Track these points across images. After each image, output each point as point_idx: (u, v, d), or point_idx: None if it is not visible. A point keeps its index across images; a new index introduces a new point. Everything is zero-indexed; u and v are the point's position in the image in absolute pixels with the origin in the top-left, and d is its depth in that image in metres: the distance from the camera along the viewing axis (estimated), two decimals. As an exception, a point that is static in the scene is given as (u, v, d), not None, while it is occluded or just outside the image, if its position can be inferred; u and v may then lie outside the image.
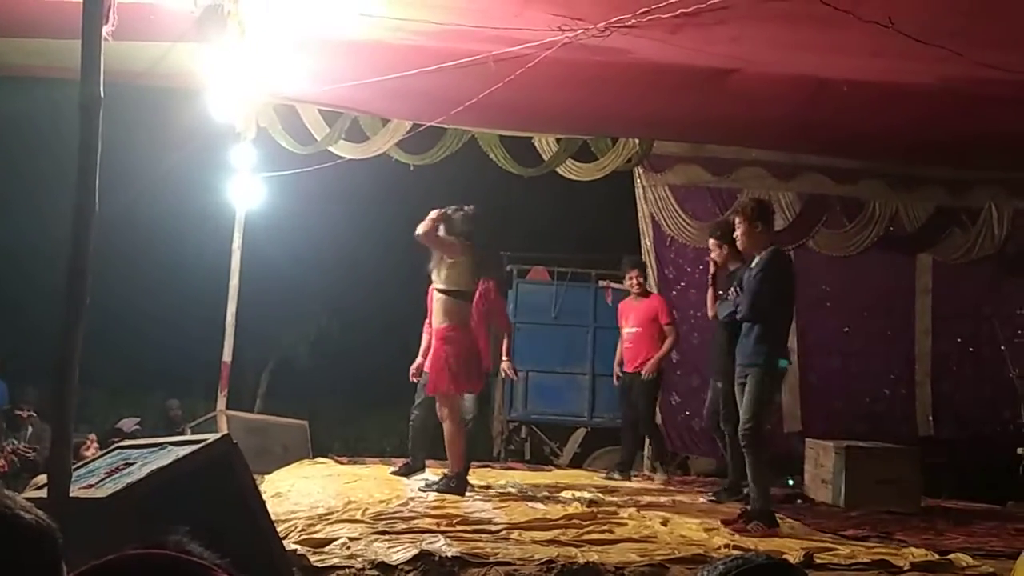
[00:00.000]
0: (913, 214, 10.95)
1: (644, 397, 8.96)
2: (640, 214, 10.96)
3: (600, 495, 7.45)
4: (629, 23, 5.67)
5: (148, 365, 16.01)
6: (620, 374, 9.22)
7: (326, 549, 4.96)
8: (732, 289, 6.62)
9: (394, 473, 8.18)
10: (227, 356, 9.48)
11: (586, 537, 5.60)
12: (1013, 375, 10.20)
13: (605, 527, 5.99)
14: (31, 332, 13.10)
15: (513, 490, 7.62)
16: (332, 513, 5.98)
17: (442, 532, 5.45)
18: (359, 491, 7.09)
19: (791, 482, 8.83)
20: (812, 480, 8.23)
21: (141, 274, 15.89)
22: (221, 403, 9.26)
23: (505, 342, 8.66)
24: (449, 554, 4.79)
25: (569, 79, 7.40)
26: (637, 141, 10.34)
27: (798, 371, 10.67)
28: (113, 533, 3.38)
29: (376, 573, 4.60)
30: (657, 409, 9.45)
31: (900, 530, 6.60)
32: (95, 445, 8.05)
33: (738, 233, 6.50)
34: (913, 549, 5.70)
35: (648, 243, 10.85)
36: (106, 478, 3.84)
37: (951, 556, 5.49)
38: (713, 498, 7.66)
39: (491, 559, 4.82)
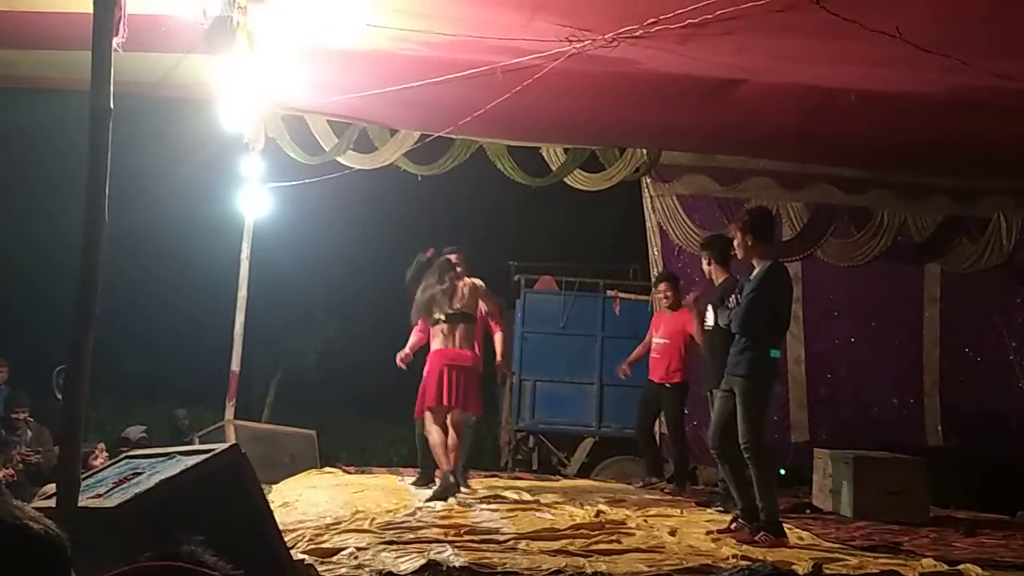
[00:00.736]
0: (921, 224, 10.93)
1: (672, 408, 9.05)
2: (648, 224, 10.97)
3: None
4: (637, 34, 5.68)
5: (157, 374, 16.04)
6: (628, 372, 9.37)
7: (334, 559, 4.97)
8: (732, 297, 6.59)
9: (414, 484, 8.30)
10: (235, 365, 9.50)
11: (594, 547, 5.58)
12: (1022, 385, 10.18)
13: (613, 537, 5.97)
14: (28, 338, 13.17)
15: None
16: (340, 523, 5.98)
17: (449, 542, 5.44)
18: (367, 501, 7.09)
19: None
20: (820, 490, 8.20)
21: (150, 284, 15.93)
22: (229, 413, 9.27)
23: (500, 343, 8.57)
24: (456, 564, 4.79)
25: (577, 90, 7.41)
26: (645, 151, 10.35)
27: (805, 381, 10.66)
28: (121, 543, 3.39)
29: (383, 583, 4.60)
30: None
31: (909, 540, 6.57)
32: (104, 454, 8.07)
33: (735, 244, 6.50)
34: (922, 560, 5.68)
35: (656, 253, 10.85)
36: (114, 488, 3.84)
37: (960, 567, 5.46)
38: (720, 507, 7.63)
39: (498, 569, 4.82)
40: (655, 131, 9.37)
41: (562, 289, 12.09)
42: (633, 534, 6.14)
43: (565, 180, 10.40)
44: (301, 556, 4.81)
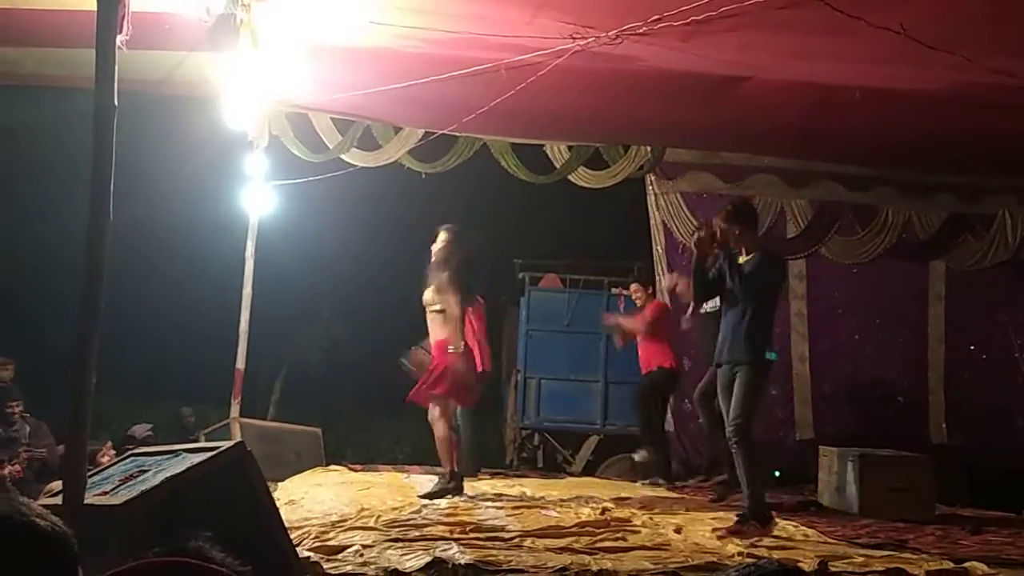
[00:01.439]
0: (926, 221, 10.92)
1: (649, 399, 9.23)
2: (652, 221, 10.96)
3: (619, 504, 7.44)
4: (640, 31, 5.68)
5: (162, 372, 16.05)
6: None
7: (339, 556, 4.97)
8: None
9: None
10: (240, 363, 9.50)
11: (599, 545, 5.58)
12: (1027, 382, 10.18)
13: (618, 535, 5.96)
14: (36, 335, 13.17)
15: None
16: (345, 520, 5.98)
17: (455, 539, 5.44)
18: (372, 498, 7.10)
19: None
20: (825, 488, 8.20)
21: (155, 281, 15.93)
22: (234, 410, 9.28)
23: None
24: (462, 562, 4.79)
25: (580, 87, 7.41)
26: (649, 148, 10.34)
27: (810, 378, 10.65)
28: (127, 540, 3.39)
29: (389, 580, 4.60)
30: (667, 414, 9.55)
31: (914, 538, 6.56)
32: (111, 452, 8.08)
33: (719, 236, 6.53)
34: (927, 557, 5.68)
35: (660, 250, 10.85)
36: (120, 485, 3.85)
37: (966, 564, 5.45)
38: (714, 497, 7.66)
39: (504, 567, 4.82)
40: (659, 128, 9.36)
41: (566, 287, 12.09)
42: (639, 532, 6.13)
43: (569, 178, 10.40)
44: (307, 553, 4.81)
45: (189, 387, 14.22)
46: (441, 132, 9.39)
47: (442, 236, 7.50)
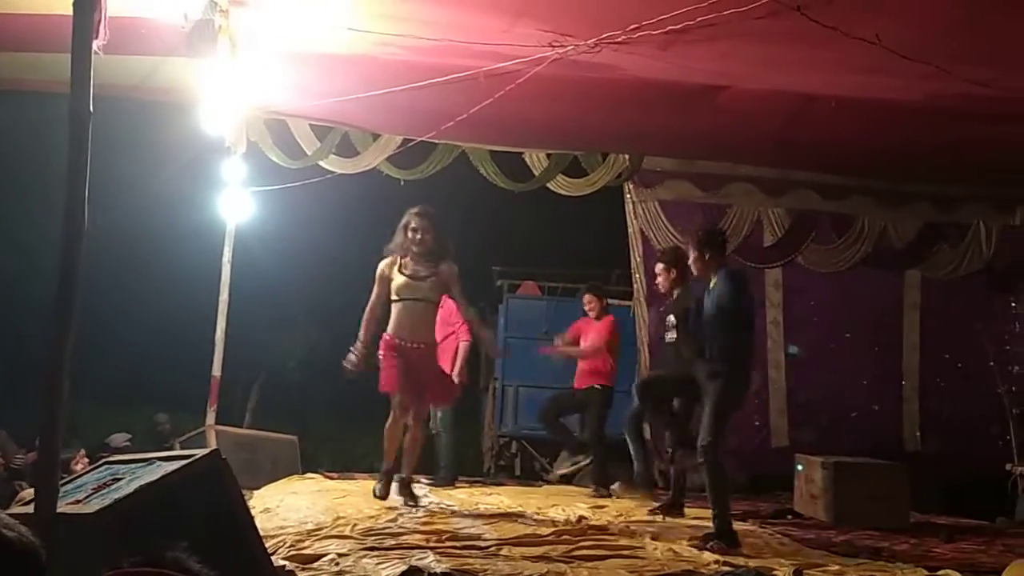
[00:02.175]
0: (902, 230, 10.98)
1: (597, 410, 9.23)
2: (630, 229, 10.97)
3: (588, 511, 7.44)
4: (619, 39, 5.70)
5: (137, 379, 15.93)
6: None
7: (315, 565, 4.95)
8: (671, 316, 6.74)
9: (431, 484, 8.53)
10: (216, 370, 9.45)
11: (576, 553, 5.59)
12: (1001, 391, 10.24)
13: (595, 543, 5.97)
14: (12, 340, 13.05)
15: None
16: (321, 529, 5.96)
17: (431, 548, 5.44)
18: (348, 507, 7.07)
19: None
20: (801, 496, 8.23)
21: (131, 288, 15.82)
22: (210, 418, 9.21)
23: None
24: (438, 570, 4.78)
25: (559, 95, 7.43)
26: (627, 156, 10.36)
27: (785, 386, 10.69)
28: (100, 549, 3.37)
29: (365, 589, 4.58)
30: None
31: (889, 546, 6.60)
32: (84, 460, 8.00)
33: (691, 260, 6.62)
34: (902, 565, 5.71)
35: (638, 258, 10.85)
36: (93, 494, 3.82)
37: (940, 572, 5.49)
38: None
39: (480, 575, 4.81)
40: (637, 136, 9.39)
41: (544, 294, 12.09)
42: (615, 540, 6.14)
43: (548, 185, 10.40)
44: (282, 562, 4.79)
45: (165, 394, 14.09)
46: (420, 139, 9.39)
47: (420, 223, 7.39)
